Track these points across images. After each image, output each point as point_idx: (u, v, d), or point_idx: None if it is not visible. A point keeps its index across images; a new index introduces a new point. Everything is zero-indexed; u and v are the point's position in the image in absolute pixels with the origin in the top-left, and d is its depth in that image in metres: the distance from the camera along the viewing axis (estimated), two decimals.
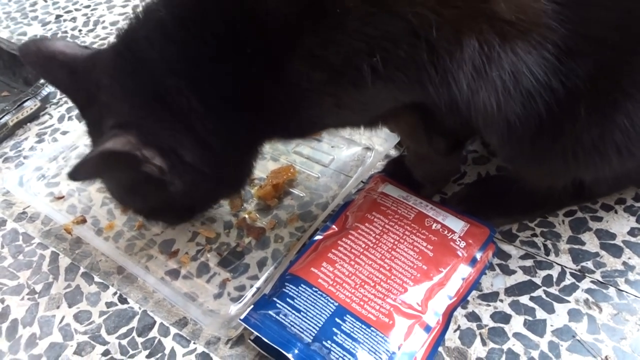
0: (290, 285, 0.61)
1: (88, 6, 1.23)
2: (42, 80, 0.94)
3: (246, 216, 0.75)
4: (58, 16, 1.22)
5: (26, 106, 0.91)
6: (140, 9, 0.55)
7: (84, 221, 0.76)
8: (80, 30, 1.16)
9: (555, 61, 0.46)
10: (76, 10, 1.23)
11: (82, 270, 0.66)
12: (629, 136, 0.50)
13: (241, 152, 0.59)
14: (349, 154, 0.81)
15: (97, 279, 0.65)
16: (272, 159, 0.82)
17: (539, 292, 0.61)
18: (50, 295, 0.63)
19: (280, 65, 0.48)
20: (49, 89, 0.94)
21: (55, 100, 0.98)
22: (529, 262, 0.64)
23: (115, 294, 0.63)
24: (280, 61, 0.48)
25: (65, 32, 1.16)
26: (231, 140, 0.56)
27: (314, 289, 0.60)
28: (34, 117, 0.95)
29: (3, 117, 0.89)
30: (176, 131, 0.53)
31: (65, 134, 0.91)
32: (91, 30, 1.16)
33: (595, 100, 0.49)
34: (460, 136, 0.63)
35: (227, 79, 0.51)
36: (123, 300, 0.63)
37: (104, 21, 1.18)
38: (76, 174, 0.50)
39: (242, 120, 0.54)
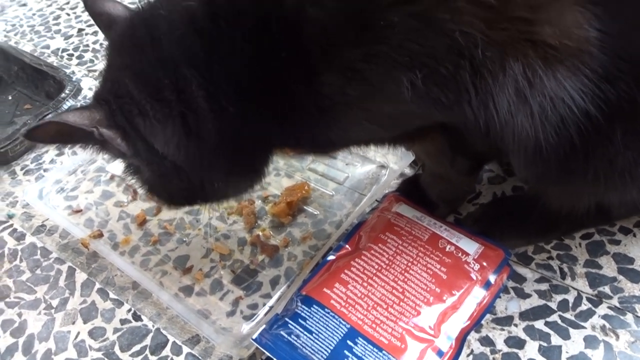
0: (303, 306, 0.61)
1: None
2: (63, 94, 0.95)
3: (260, 233, 0.75)
4: (80, 30, 1.24)
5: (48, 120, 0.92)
6: None
7: (100, 235, 0.77)
8: (101, 44, 1.18)
9: (594, 87, 0.46)
10: None
11: (97, 285, 0.67)
12: None
13: (244, 158, 0.57)
14: (363, 171, 0.81)
15: (112, 295, 0.66)
16: (286, 176, 0.82)
17: (554, 317, 0.60)
18: (66, 310, 0.64)
19: (315, 75, 0.48)
20: (69, 102, 0.96)
21: None
22: (544, 286, 0.63)
23: (129, 310, 0.64)
24: (315, 71, 0.47)
25: (87, 45, 1.19)
26: (235, 144, 0.54)
27: (326, 310, 0.60)
28: None
29: (25, 130, 0.91)
30: (152, 117, 0.51)
31: None
32: None
33: (632, 124, 0.48)
34: (484, 158, 0.62)
35: (252, 81, 0.50)
36: (137, 317, 0.63)
37: None
38: (30, 136, 0.51)
39: (258, 126, 0.52)
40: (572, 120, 0.47)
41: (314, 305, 0.61)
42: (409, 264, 0.63)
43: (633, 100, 0.46)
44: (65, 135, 0.51)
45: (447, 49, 0.45)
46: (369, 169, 0.81)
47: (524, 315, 0.61)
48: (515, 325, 0.60)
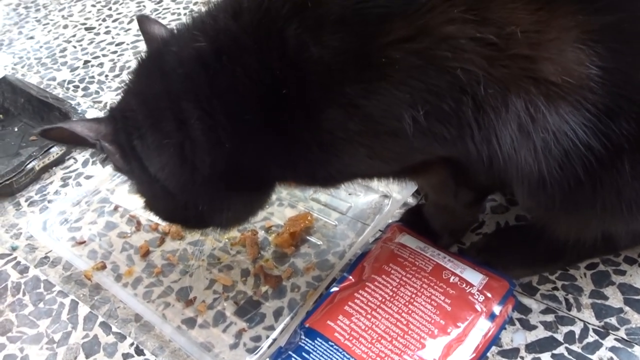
0: (306, 339, 0.61)
1: (115, 52, 1.28)
2: None
3: (263, 264, 0.75)
4: (86, 62, 1.26)
5: (52, 152, 0.93)
6: (176, 30, 0.56)
7: (103, 267, 0.77)
8: (106, 76, 1.20)
9: (596, 121, 0.46)
10: (103, 56, 1.27)
11: (100, 319, 0.67)
12: None
13: (237, 192, 0.59)
14: (366, 201, 0.81)
15: (114, 328, 0.66)
16: (289, 206, 0.82)
17: (561, 350, 0.60)
18: (68, 345, 0.64)
19: (316, 111, 0.48)
20: None
21: None
22: (550, 317, 0.63)
23: (132, 344, 0.63)
24: (316, 107, 0.48)
25: (93, 77, 1.21)
26: (228, 178, 0.55)
27: (330, 343, 0.59)
28: (59, 161, 0.97)
29: (30, 162, 0.92)
30: (150, 143, 0.54)
31: (89, 179, 0.93)
32: (117, 76, 1.20)
33: (638, 155, 0.48)
34: (488, 189, 0.62)
35: (252, 117, 0.51)
36: (139, 351, 0.63)
37: (129, 67, 1.21)
38: (43, 134, 0.56)
39: (256, 160, 0.54)
40: (576, 154, 0.47)
41: (318, 338, 0.60)
42: (413, 296, 0.62)
43: (635, 135, 0.47)
44: (72, 140, 0.57)
45: (449, 85, 0.45)
46: (372, 199, 0.81)
47: (530, 347, 0.60)
48: (522, 358, 0.60)
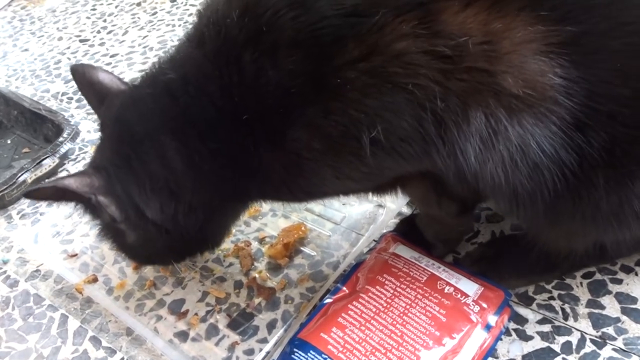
0: (300, 352, 0.60)
1: (109, 63, 1.28)
2: (61, 138, 0.96)
3: (257, 275, 0.74)
4: None
5: (45, 164, 0.93)
6: (148, 71, 0.58)
7: (95, 280, 0.76)
8: None
9: (564, 134, 0.46)
10: None
11: (90, 333, 0.66)
12: None
13: (221, 213, 0.61)
14: (360, 211, 0.80)
15: (104, 343, 0.65)
16: (283, 217, 0.82)
17: None
18: None
19: (279, 133, 0.49)
20: (67, 146, 0.96)
21: (73, 157, 1.01)
22: (546, 327, 0.62)
23: (122, 359, 0.62)
24: (279, 129, 0.49)
25: None
26: (212, 201, 0.57)
27: (323, 355, 0.59)
28: (52, 173, 0.96)
29: (22, 174, 0.91)
30: (147, 187, 0.55)
31: None
32: None
33: (613, 170, 0.48)
34: (471, 200, 0.62)
35: (221, 142, 0.52)
36: None
37: (123, 78, 1.21)
38: (31, 196, 0.57)
39: (231, 184, 0.55)
40: (547, 167, 0.47)
41: (311, 351, 0.59)
42: (408, 307, 0.62)
43: (607, 149, 0.46)
44: (61, 197, 0.56)
45: (405, 102, 0.45)
46: (366, 209, 0.80)
47: (527, 358, 0.59)
48: None
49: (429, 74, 0.44)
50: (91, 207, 0.58)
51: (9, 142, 1.06)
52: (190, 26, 0.56)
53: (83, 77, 0.63)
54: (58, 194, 0.55)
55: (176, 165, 0.54)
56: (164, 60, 0.56)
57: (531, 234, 0.61)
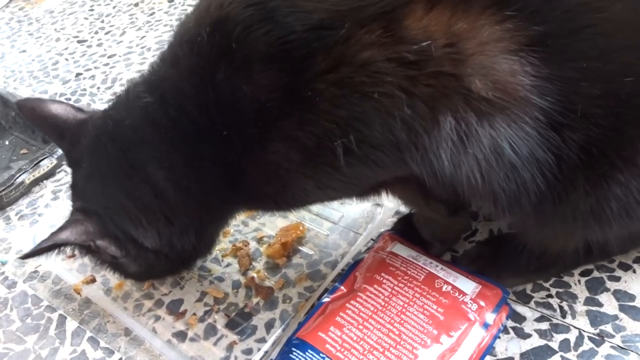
0: (298, 351, 0.60)
1: (107, 64, 1.28)
2: None
3: (255, 275, 0.74)
4: (78, 74, 1.26)
5: (43, 165, 0.93)
6: (120, 97, 0.58)
7: (93, 280, 0.76)
8: (98, 88, 1.20)
9: (537, 135, 0.46)
10: (95, 68, 1.27)
11: (88, 334, 0.66)
12: (626, 204, 0.49)
13: (210, 226, 0.62)
14: (358, 210, 0.80)
15: (102, 343, 0.65)
16: (281, 216, 0.81)
17: (556, 358, 0.59)
18: None
19: (258, 146, 0.49)
20: None
21: None
22: (544, 325, 0.62)
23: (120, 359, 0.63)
24: (258, 142, 0.49)
25: (84, 89, 1.20)
26: (202, 218, 0.59)
27: (321, 355, 0.59)
28: (50, 174, 0.97)
29: (20, 175, 0.91)
30: (143, 222, 0.56)
31: None
32: (109, 88, 1.19)
33: (591, 171, 0.48)
34: (455, 202, 0.62)
35: (205, 160, 0.53)
36: None
37: (121, 78, 1.21)
38: (30, 256, 0.57)
39: (219, 198, 0.56)
40: (523, 168, 0.47)
41: (309, 350, 0.59)
42: (405, 305, 0.62)
43: (584, 149, 0.46)
44: (63, 248, 0.57)
45: (374, 111, 0.46)
46: (364, 208, 0.80)
47: (525, 356, 0.59)
48: None
49: (395, 82, 0.44)
50: (91, 252, 0.59)
51: (7, 143, 1.06)
52: (165, 46, 0.56)
53: (34, 112, 0.62)
54: (58, 247, 0.56)
55: (168, 194, 0.55)
56: (137, 84, 0.56)
57: (521, 235, 0.61)
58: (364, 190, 0.58)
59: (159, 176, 0.54)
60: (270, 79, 0.46)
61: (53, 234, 0.55)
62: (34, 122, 0.63)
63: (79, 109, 0.63)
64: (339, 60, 0.45)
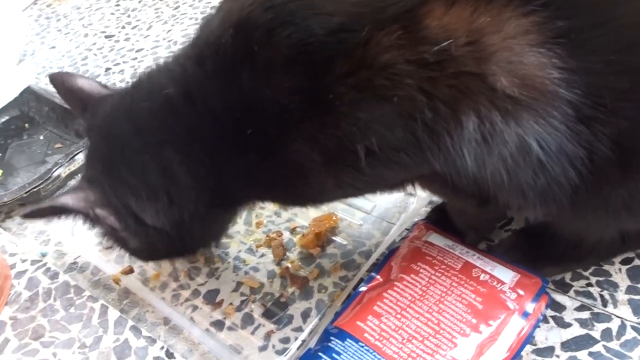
0: (336, 340, 0.60)
1: (135, 58, 1.29)
2: None
3: (289, 265, 0.75)
4: (107, 69, 1.28)
5: (77, 158, 0.94)
6: (138, 80, 0.58)
7: (131, 271, 0.78)
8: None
9: (567, 129, 0.45)
10: (124, 62, 1.28)
11: (130, 323, 0.67)
12: None
13: (224, 217, 0.64)
14: (391, 200, 0.80)
15: (144, 332, 0.66)
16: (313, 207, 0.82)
17: (598, 347, 0.58)
18: (99, 349, 0.64)
19: (281, 146, 0.50)
20: None
21: None
22: (585, 314, 0.61)
23: (162, 348, 0.64)
24: (281, 142, 0.50)
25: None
26: (215, 209, 0.59)
27: (360, 344, 0.59)
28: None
29: (56, 169, 0.93)
30: (143, 196, 0.56)
31: None
32: None
33: (622, 163, 0.47)
34: (485, 195, 0.61)
35: (227, 156, 0.53)
36: (170, 354, 0.63)
37: None
38: (29, 216, 0.60)
39: (235, 193, 0.57)
40: (554, 163, 0.46)
41: (348, 339, 0.60)
42: (443, 295, 0.62)
43: (615, 142, 0.45)
44: (60, 214, 0.58)
45: (394, 114, 0.45)
46: (397, 197, 0.80)
47: (566, 345, 0.59)
48: (557, 357, 0.58)
49: (415, 84, 0.44)
50: (91, 220, 0.60)
51: (41, 138, 1.08)
52: (189, 42, 0.56)
53: (62, 85, 0.64)
54: (55, 212, 0.57)
55: (180, 178, 0.55)
56: (160, 72, 0.57)
57: (557, 224, 0.60)
58: (387, 188, 0.58)
59: (174, 160, 0.54)
60: (292, 82, 0.47)
61: (54, 198, 0.57)
62: (61, 93, 0.64)
63: (105, 86, 0.64)
64: (359, 63, 0.45)
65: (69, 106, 0.66)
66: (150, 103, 0.55)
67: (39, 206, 0.57)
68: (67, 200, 0.57)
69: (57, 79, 0.64)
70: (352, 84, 0.45)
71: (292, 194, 0.57)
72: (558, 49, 0.43)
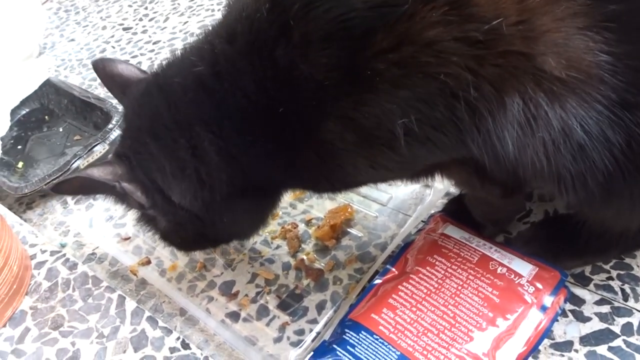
0: (351, 332, 0.60)
1: (152, 50, 1.30)
2: (110, 125, 0.98)
3: (304, 257, 0.75)
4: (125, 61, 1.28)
5: (96, 150, 0.95)
6: (177, 53, 0.57)
7: (148, 262, 0.79)
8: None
9: (609, 113, 0.44)
10: (141, 55, 1.29)
11: (147, 314, 0.68)
12: None
13: (255, 201, 0.61)
14: (407, 191, 0.79)
15: (161, 323, 0.67)
16: (329, 198, 0.81)
17: (618, 342, 0.57)
18: (117, 339, 0.65)
19: (314, 124, 0.49)
20: (117, 132, 0.99)
21: None
22: (605, 308, 0.60)
23: (178, 338, 0.64)
24: (314, 121, 0.49)
25: None
26: (247, 192, 0.58)
27: (375, 336, 0.59)
28: (103, 159, 0.99)
29: (75, 161, 0.94)
30: (168, 173, 0.55)
31: None
32: None
33: None
34: (513, 184, 0.60)
35: (258, 133, 0.52)
36: (185, 345, 0.64)
37: None
38: (57, 190, 0.58)
39: (267, 175, 0.56)
40: (593, 148, 0.45)
41: (362, 332, 0.59)
42: (459, 288, 0.61)
43: None
44: (88, 188, 0.58)
45: (438, 92, 0.44)
46: (413, 189, 0.79)
47: (585, 339, 0.58)
48: (576, 351, 0.57)
49: (461, 62, 0.43)
50: (119, 196, 0.59)
51: (60, 130, 1.10)
52: (218, 19, 0.55)
53: (104, 70, 0.64)
54: (84, 184, 0.57)
55: (210, 157, 0.54)
56: (191, 51, 0.56)
57: (582, 214, 0.59)
58: (418, 171, 0.57)
59: (205, 138, 0.53)
60: (329, 57, 0.45)
61: (82, 170, 0.56)
62: (104, 80, 0.64)
63: (143, 71, 0.64)
64: (402, 38, 0.43)
65: (110, 91, 0.66)
66: (182, 79, 0.54)
67: (66, 178, 0.57)
68: (94, 172, 0.56)
69: (99, 65, 0.64)
70: (394, 60, 0.44)
71: (326, 177, 0.55)
72: (606, 34, 0.42)
